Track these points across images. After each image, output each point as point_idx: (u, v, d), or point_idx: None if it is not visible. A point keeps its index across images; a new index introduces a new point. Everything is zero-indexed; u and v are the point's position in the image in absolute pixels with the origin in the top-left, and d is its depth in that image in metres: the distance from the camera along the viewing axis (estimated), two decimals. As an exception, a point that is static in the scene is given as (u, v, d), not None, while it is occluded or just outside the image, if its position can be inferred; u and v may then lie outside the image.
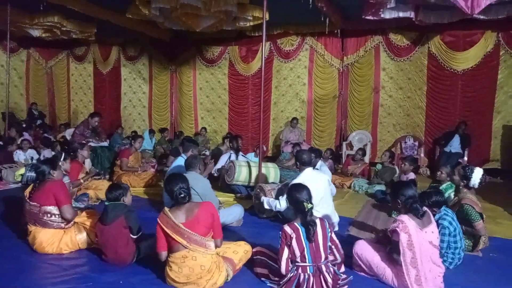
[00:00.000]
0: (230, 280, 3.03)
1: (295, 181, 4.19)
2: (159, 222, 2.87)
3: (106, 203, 3.38)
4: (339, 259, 2.95)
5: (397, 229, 2.89)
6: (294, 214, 2.99)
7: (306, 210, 2.83)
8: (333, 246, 2.92)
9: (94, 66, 12.59)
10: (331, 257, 2.95)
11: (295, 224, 2.86)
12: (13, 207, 4.97)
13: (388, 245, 3.12)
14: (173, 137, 11.16)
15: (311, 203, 2.89)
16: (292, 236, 2.80)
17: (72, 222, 3.66)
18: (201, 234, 2.82)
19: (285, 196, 4.19)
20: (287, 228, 2.84)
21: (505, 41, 8.20)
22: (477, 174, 3.88)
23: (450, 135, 8.41)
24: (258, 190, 4.96)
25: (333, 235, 2.94)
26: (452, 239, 3.37)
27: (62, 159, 4.58)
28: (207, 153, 8.96)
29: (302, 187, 3.02)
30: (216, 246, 2.97)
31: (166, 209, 2.93)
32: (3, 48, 11.68)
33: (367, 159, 8.69)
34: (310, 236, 2.78)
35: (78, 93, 13.01)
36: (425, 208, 3.06)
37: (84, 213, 3.79)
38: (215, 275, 2.87)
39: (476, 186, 3.91)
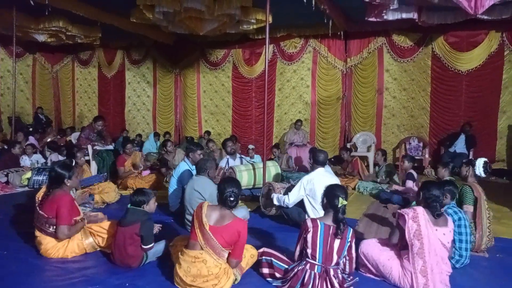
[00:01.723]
0: (237, 283, 3.03)
1: (307, 177, 4.22)
2: (196, 210, 2.96)
3: (129, 206, 3.40)
4: (347, 271, 2.97)
5: (405, 215, 2.94)
6: (324, 209, 3.02)
7: (339, 206, 2.84)
8: (347, 257, 2.93)
9: (99, 70, 12.69)
10: (342, 265, 2.96)
11: (318, 221, 2.88)
12: (20, 211, 5.01)
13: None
14: (178, 141, 11.20)
15: (346, 201, 2.89)
16: (309, 230, 2.83)
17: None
18: (219, 243, 2.84)
19: (293, 191, 4.22)
20: (308, 221, 2.90)
21: (509, 41, 8.19)
22: (480, 161, 4.05)
23: (455, 136, 8.38)
24: (267, 188, 4.98)
25: (353, 246, 2.92)
26: (457, 230, 3.35)
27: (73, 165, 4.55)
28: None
29: (342, 187, 3.06)
30: (230, 265, 2.93)
31: (207, 202, 3.00)
32: (9, 53, 11.81)
33: (371, 160, 8.70)
34: (339, 233, 2.79)
35: (82, 97, 13.11)
36: (443, 210, 3.09)
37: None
38: (222, 281, 2.87)
39: (482, 173, 4.01)
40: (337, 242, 2.82)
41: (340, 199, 2.85)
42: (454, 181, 4.39)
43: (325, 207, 3.01)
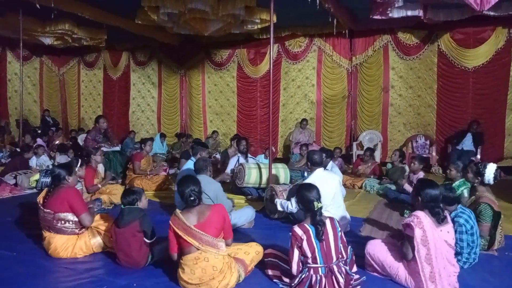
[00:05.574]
0: (242, 281, 3.03)
1: (306, 181, 4.19)
2: (171, 224, 2.91)
3: (122, 207, 3.43)
4: (344, 257, 2.94)
5: (411, 223, 2.86)
6: (304, 214, 3.00)
7: (315, 209, 2.83)
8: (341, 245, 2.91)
9: (105, 72, 12.77)
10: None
11: (305, 225, 2.85)
12: (29, 213, 5.05)
13: (400, 240, 3.09)
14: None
15: (321, 203, 2.88)
16: (302, 237, 2.79)
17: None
18: (212, 235, 2.86)
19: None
20: (297, 230, 2.83)
21: (516, 37, 8.10)
22: (490, 170, 3.79)
23: (462, 133, 8.30)
24: (270, 191, 4.97)
25: (342, 234, 2.93)
26: (470, 238, 3.32)
27: (78, 165, 4.62)
28: (218, 156, 9.01)
29: (312, 187, 3.02)
30: (226, 245, 2.99)
31: (178, 211, 2.96)
32: (17, 56, 11.94)
33: (378, 158, 8.64)
34: (320, 236, 2.78)
35: (87, 99, 13.19)
36: (446, 213, 3.01)
37: (98, 217, 3.83)
38: (227, 276, 2.89)
39: (491, 182, 3.81)
40: (331, 236, 2.81)
41: (315, 203, 2.84)
42: (449, 183, 4.32)
43: (304, 211, 3.00)
